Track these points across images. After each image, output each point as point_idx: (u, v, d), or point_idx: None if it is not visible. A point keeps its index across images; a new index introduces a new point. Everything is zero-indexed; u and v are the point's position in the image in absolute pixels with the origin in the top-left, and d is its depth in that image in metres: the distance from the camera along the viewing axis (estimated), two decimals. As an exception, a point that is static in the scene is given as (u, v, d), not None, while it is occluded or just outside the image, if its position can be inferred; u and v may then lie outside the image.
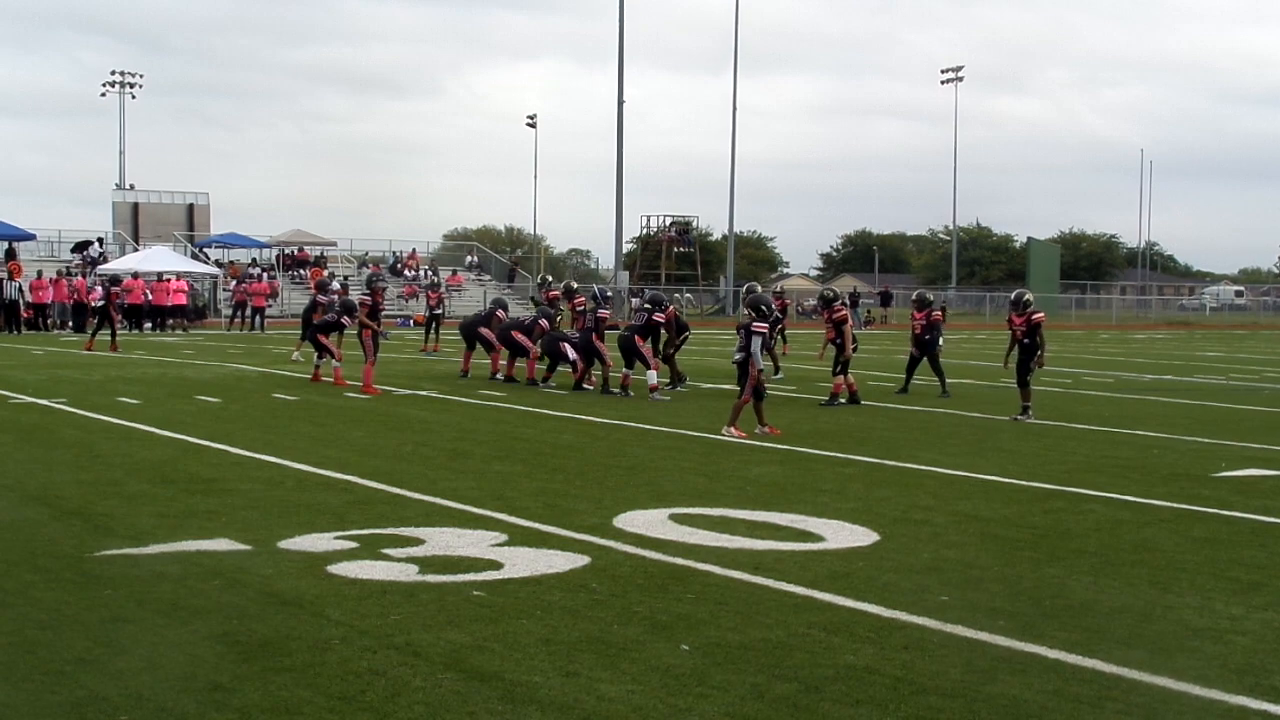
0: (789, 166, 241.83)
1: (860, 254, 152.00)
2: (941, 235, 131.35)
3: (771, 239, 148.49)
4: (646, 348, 21.69)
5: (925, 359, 22.85)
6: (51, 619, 7.13)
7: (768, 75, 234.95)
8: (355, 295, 27.83)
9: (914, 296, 24.20)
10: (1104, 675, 6.40)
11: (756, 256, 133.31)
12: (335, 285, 39.79)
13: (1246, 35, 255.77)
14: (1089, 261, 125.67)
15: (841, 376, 20.65)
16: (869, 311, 67.63)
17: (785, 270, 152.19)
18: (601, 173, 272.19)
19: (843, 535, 9.74)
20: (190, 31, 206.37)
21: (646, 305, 22.60)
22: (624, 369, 21.63)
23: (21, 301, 45.65)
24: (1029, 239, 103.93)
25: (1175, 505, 11.40)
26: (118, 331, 34.02)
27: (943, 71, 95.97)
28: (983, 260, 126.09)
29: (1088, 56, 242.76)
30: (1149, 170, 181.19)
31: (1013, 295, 20.08)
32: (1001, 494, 11.90)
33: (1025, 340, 19.02)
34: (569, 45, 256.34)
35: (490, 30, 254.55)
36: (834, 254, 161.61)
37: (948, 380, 22.64)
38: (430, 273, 62.33)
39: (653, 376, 21.19)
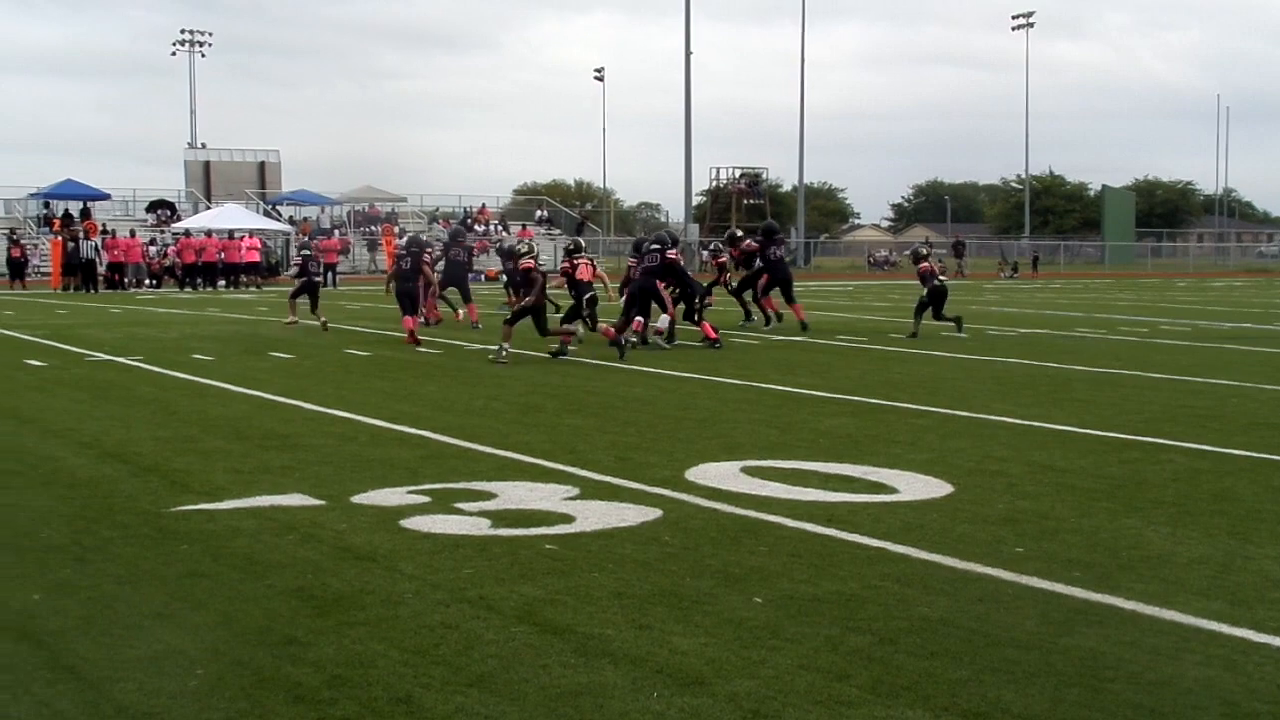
0: (851, 117, 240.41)
1: (932, 204, 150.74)
2: (1014, 184, 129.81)
3: (842, 190, 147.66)
4: (666, 294, 21.71)
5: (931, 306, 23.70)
6: (129, 574, 7.22)
7: (821, 24, 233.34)
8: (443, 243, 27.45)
9: (908, 252, 25.50)
10: (1182, 626, 6.31)
11: (827, 208, 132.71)
12: (434, 240, 37.88)
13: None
14: (1165, 209, 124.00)
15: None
16: (941, 262, 66.94)
17: (855, 221, 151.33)
18: (664, 125, 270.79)
19: (916, 487, 9.66)
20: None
21: (654, 246, 21.74)
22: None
23: (98, 260, 46.16)
24: (1104, 187, 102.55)
25: (1254, 455, 11.22)
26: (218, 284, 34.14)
27: (1014, 18, 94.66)
28: (1056, 209, 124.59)
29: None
30: (1225, 115, 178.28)
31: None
32: (1077, 444, 11.76)
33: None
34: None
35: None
36: (905, 204, 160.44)
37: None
38: (499, 228, 62.30)
39: (663, 320, 21.50)
